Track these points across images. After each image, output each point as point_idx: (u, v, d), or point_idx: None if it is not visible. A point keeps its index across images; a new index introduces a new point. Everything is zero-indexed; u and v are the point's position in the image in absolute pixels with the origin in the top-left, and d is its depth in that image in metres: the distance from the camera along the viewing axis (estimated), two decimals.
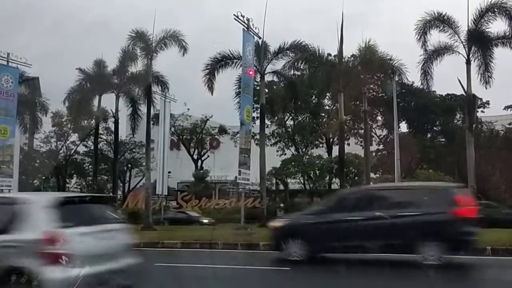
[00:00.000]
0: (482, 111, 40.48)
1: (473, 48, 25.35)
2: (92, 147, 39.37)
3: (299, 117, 42.89)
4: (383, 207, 11.18)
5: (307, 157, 39.91)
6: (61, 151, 44.30)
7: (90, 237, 6.32)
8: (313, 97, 38.88)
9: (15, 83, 26.47)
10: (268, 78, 30.06)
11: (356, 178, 35.81)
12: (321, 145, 42.94)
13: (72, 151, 44.37)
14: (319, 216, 11.89)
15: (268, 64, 27.75)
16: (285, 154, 42.11)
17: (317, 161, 38.40)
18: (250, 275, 10.20)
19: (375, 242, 10.51)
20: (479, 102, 35.86)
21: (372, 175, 34.09)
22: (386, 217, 10.74)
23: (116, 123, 34.27)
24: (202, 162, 45.80)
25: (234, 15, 22.71)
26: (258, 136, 31.30)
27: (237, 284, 9.38)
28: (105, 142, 42.78)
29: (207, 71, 27.67)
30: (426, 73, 26.59)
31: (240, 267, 11.47)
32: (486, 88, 26.16)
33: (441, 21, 25.67)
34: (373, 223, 10.84)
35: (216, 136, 47.58)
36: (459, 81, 25.41)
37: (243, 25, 23.06)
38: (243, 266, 11.57)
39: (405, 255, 10.62)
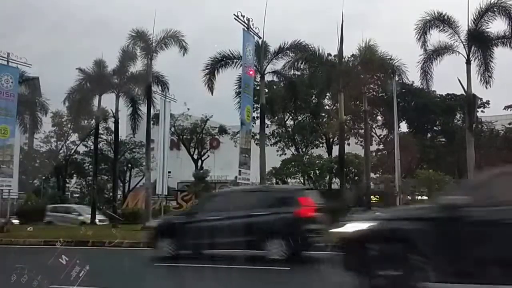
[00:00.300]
0: (482, 111, 40.55)
1: (473, 48, 25.34)
2: (92, 147, 39.35)
3: (299, 117, 42.89)
4: (240, 207, 12.37)
5: (307, 157, 39.88)
6: (61, 151, 44.35)
7: None
8: (313, 97, 38.87)
9: (15, 83, 26.49)
10: (268, 78, 30.03)
11: (356, 178, 35.80)
12: (321, 145, 42.93)
13: (72, 151, 44.40)
14: (186, 216, 13.51)
15: (268, 64, 27.71)
16: (285, 154, 42.09)
17: (317, 161, 38.36)
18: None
19: (231, 239, 11.66)
20: (479, 102, 35.91)
21: (372, 175, 34.11)
22: (240, 217, 12.05)
23: (116, 123, 34.27)
24: (202, 162, 45.78)
25: (234, 15, 22.74)
26: (258, 136, 31.30)
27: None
28: (105, 142, 42.78)
29: (207, 71, 27.66)
30: (426, 73, 26.58)
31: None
32: (486, 88, 26.18)
33: (441, 21, 25.67)
34: (229, 222, 12.08)
35: (216, 136, 47.56)
36: (459, 81, 25.44)
37: (243, 25, 23.07)
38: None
39: (257, 251, 11.70)
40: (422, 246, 6.75)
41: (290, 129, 43.10)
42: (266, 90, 31.16)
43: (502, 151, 34.39)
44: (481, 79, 25.61)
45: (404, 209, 9.02)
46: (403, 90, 37.90)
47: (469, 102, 26.39)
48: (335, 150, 37.71)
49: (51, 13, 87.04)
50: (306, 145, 43.12)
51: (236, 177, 24.48)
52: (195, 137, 45.41)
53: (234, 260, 11.20)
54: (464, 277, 6.71)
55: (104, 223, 29.95)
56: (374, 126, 40.71)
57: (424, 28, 25.80)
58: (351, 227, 7.65)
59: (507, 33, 25.18)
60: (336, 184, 35.92)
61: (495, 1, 24.67)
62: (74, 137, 43.66)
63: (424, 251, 6.73)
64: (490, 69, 25.41)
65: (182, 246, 12.27)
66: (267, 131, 36.53)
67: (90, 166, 42.87)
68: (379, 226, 7.40)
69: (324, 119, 42.06)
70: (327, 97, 36.87)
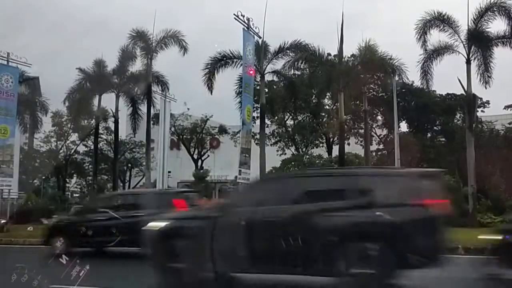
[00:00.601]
0: (482, 111, 40.48)
1: (473, 48, 25.34)
2: (92, 147, 39.35)
3: (299, 116, 42.84)
4: (123, 209, 13.51)
5: (307, 156, 39.84)
6: (61, 151, 44.25)
7: None
8: (313, 97, 38.84)
9: (15, 83, 26.48)
10: (268, 77, 30.07)
11: None
12: (321, 144, 42.88)
13: (72, 150, 44.32)
14: (76, 216, 14.97)
15: (268, 64, 27.76)
16: (285, 153, 42.05)
17: (317, 161, 38.30)
18: None
19: (111, 238, 12.59)
20: (479, 102, 35.85)
21: None
22: (121, 217, 13.00)
23: (116, 122, 34.28)
24: (202, 161, 45.76)
25: (234, 14, 22.79)
26: (258, 136, 31.29)
27: None
28: (105, 142, 42.74)
29: (207, 70, 27.68)
30: (426, 73, 26.58)
31: None
32: (485, 88, 26.20)
33: (441, 20, 25.66)
34: (110, 223, 13.05)
35: (216, 136, 47.54)
36: (459, 80, 25.44)
37: (243, 25, 23.10)
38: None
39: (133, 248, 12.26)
40: (199, 241, 7.79)
41: (290, 129, 43.07)
42: (266, 90, 31.17)
43: (502, 151, 34.32)
44: (480, 79, 25.64)
45: (191, 209, 10.69)
46: (403, 90, 37.84)
47: (469, 102, 26.38)
48: (335, 150, 37.68)
49: (51, 13, 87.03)
50: (306, 145, 43.08)
51: (236, 177, 24.48)
52: (195, 137, 45.37)
53: (116, 256, 12.12)
54: (236, 266, 7.72)
55: None
56: (374, 126, 40.63)
57: (424, 28, 25.79)
58: (152, 225, 8.63)
59: (507, 33, 25.17)
60: None
61: (495, 1, 24.66)
62: (74, 137, 43.60)
63: (201, 245, 7.74)
64: (489, 69, 25.41)
65: (71, 243, 13.33)
66: (267, 131, 36.51)
67: (90, 166, 42.84)
68: (170, 224, 8.48)
69: (324, 119, 42.02)
70: (327, 97, 36.86)
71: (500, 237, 8.63)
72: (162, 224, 8.54)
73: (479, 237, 9.33)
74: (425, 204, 7.14)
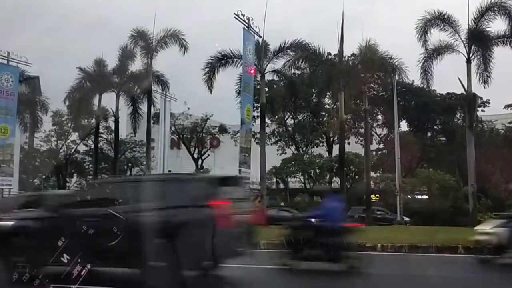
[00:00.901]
0: (482, 110, 40.56)
1: (473, 47, 25.33)
2: (93, 146, 39.37)
3: (300, 116, 42.88)
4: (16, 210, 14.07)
5: (307, 156, 39.90)
6: (61, 150, 44.29)
7: None
8: (314, 96, 38.87)
9: (15, 82, 26.50)
10: (268, 77, 30.04)
11: (357, 177, 35.82)
12: (321, 144, 42.93)
13: (73, 150, 44.36)
14: None
15: (268, 63, 27.72)
16: (286, 153, 42.10)
17: (318, 160, 38.39)
18: None
19: None
20: (479, 101, 35.87)
21: (372, 174, 34.11)
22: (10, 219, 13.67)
23: (117, 122, 34.28)
24: (202, 161, 45.78)
25: (235, 13, 22.78)
26: (258, 135, 31.29)
27: None
28: (105, 141, 42.76)
29: (207, 69, 27.66)
30: (426, 72, 26.55)
31: None
32: (484, 87, 26.17)
33: (442, 20, 25.65)
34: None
35: (216, 135, 47.55)
36: (460, 80, 25.43)
37: (244, 24, 23.09)
38: None
39: None
40: (34, 239, 8.55)
41: (290, 128, 43.10)
42: (267, 89, 31.16)
43: (502, 150, 34.38)
44: (480, 79, 25.61)
45: (38, 210, 10.89)
46: (404, 89, 37.89)
47: (469, 101, 26.37)
48: (336, 149, 37.71)
49: (51, 13, 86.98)
50: (307, 144, 43.12)
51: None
52: (195, 136, 45.38)
53: None
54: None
55: None
56: (374, 125, 40.68)
57: (425, 27, 25.77)
58: (1, 224, 9.32)
59: (507, 33, 25.16)
60: (336, 183, 35.96)
61: (496, 1, 24.64)
62: (74, 136, 43.63)
63: (39, 242, 8.36)
64: (489, 68, 25.37)
65: None
66: (267, 130, 36.52)
67: (91, 165, 42.86)
68: (15, 223, 9.29)
69: (325, 118, 42.06)
70: (327, 96, 36.88)
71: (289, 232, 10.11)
72: (9, 223, 9.37)
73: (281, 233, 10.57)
74: (212, 206, 8.02)
